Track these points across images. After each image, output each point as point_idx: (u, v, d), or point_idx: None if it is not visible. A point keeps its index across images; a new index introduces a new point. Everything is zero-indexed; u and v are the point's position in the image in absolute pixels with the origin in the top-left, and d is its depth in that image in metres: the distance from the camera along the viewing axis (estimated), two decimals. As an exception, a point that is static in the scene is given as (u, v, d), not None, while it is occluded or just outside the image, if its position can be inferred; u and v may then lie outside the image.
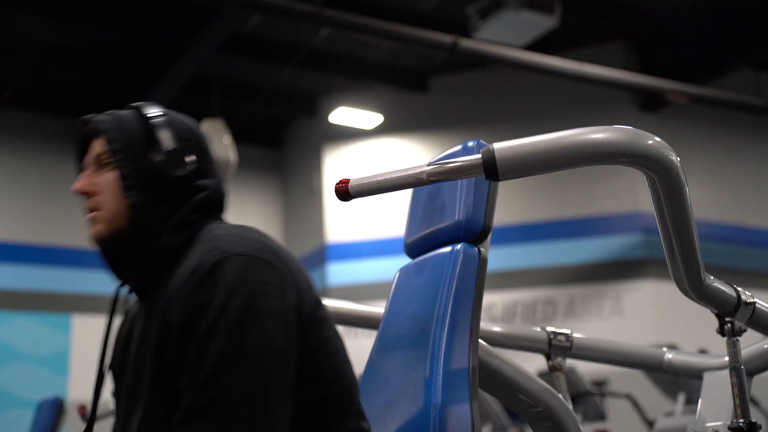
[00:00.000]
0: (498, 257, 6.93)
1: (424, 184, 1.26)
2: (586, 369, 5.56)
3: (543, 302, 7.97)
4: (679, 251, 1.29)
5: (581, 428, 1.71)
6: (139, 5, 7.07)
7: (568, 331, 2.14)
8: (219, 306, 1.15)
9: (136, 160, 1.31)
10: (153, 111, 1.36)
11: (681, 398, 4.91)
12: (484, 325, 2.06)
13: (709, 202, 8.30)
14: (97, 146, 1.34)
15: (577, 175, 8.21)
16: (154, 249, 1.29)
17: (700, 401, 1.82)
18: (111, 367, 1.42)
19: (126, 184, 1.30)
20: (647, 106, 8.32)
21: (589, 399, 5.50)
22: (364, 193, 1.35)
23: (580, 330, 2.28)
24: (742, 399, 1.43)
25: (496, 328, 2.10)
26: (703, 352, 4.17)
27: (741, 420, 1.41)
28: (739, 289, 1.47)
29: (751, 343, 1.81)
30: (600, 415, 5.59)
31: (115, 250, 1.34)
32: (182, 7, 6.62)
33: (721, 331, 1.48)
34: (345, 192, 1.38)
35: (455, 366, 1.41)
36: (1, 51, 7.41)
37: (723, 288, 1.43)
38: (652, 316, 7.75)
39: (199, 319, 1.15)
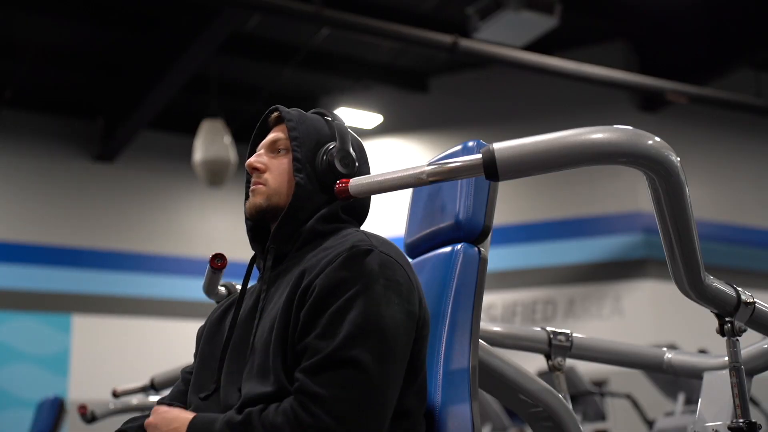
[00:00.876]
0: (498, 257, 6.93)
1: (424, 184, 1.26)
2: (586, 369, 5.56)
3: (543, 302, 7.97)
4: (679, 251, 1.29)
5: (581, 428, 1.71)
6: (139, 5, 7.07)
7: (568, 331, 2.14)
8: (363, 284, 1.30)
9: (310, 151, 1.49)
10: (333, 116, 1.55)
11: (681, 398, 4.91)
12: (484, 325, 2.06)
13: (709, 202, 8.30)
14: (278, 132, 1.54)
15: (577, 175, 8.21)
16: (300, 229, 1.46)
17: (700, 401, 1.82)
18: (201, 345, 1.52)
19: (296, 167, 1.47)
20: (647, 106, 8.32)
21: (589, 399, 5.51)
22: (364, 192, 1.36)
23: (580, 330, 2.28)
24: (742, 399, 1.42)
25: (496, 328, 2.10)
26: (703, 352, 4.16)
27: (741, 420, 1.40)
28: (739, 289, 1.47)
29: (751, 343, 1.81)
30: (600, 415, 5.59)
31: (262, 223, 1.51)
32: (182, 7, 6.61)
33: (721, 331, 1.47)
34: (345, 192, 1.38)
35: (455, 366, 1.41)
36: (1, 51, 7.41)
37: (723, 288, 1.43)
38: (652, 316, 7.75)
39: (343, 290, 1.29)
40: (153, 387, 3.20)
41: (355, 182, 1.37)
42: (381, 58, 8.15)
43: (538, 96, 8.32)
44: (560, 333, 2.12)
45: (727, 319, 1.47)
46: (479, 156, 1.18)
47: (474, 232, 1.51)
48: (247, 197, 1.53)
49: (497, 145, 1.18)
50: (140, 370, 4.53)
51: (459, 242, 1.51)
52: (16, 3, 6.70)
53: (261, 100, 8.50)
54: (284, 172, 1.49)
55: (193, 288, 8.75)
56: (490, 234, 1.53)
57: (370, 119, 8.57)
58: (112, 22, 7.17)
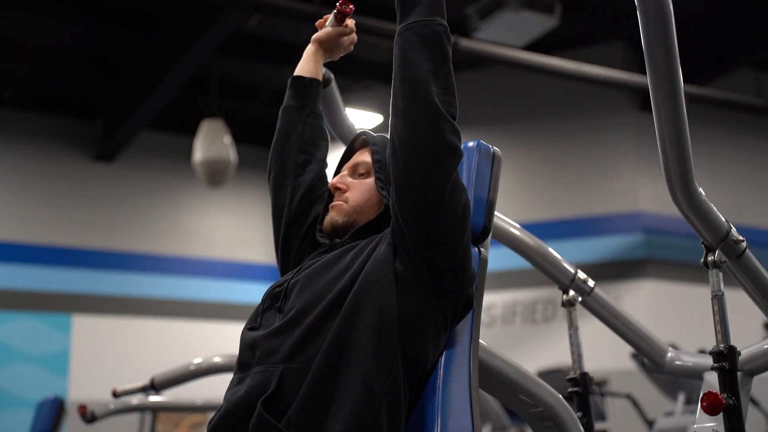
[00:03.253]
0: (498, 257, 6.92)
1: None
2: (586, 369, 5.55)
3: (543, 302, 7.97)
4: (663, 107, 1.30)
5: (581, 428, 1.71)
6: (139, 5, 7.07)
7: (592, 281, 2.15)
8: None
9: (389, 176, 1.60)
10: None
11: (681, 398, 4.92)
12: (522, 234, 2.06)
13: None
14: (362, 156, 1.64)
15: (577, 175, 8.21)
16: (361, 233, 1.57)
17: (700, 401, 1.82)
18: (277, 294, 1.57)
19: (380, 185, 1.58)
20: (647, 106, 8.31)
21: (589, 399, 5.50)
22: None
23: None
24: (723, 325, 1.44)
25: (530, 242, 2.10)
26: (703, 352, 4.16)
27: (722, 345, 1.42)
28: (731, 225, 1.48)
29: (751, 343, 1.81)
30: (600, 415, 5.59)
31: (338, 234, 1.60)
32: (182, 7, 6.61)
33: (705, 262, 1.48)
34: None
35: (455, 366, 1.41)
36: (1, 51, 7.41)
37: (715, 211, 1.44)
38: (652, 316, 7.75)
39: None
40: (153, 387, 3.20)
41: None
42: (381, 58, 8.14)
43: (538, 96, 8.32)
44: (588, 278, 2.13)
45: (712, 251, 1.48)
46: None
47: (474, 232, 1.51)
48: (325, 212, 1.65)
49: None
50: (140, 370, 4.52)
51: (459, 242, 1.50)
52: (16, 3, 6.69)
53: (261, 100, 8.50)
54: (365, 191, 1.60)
55: (193, 288, 8.75)
56: (490, 234, 1.53)
57: (370, 119, 8.57)
58: (113, 22, 7.17)
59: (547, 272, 2.14)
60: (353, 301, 1.39)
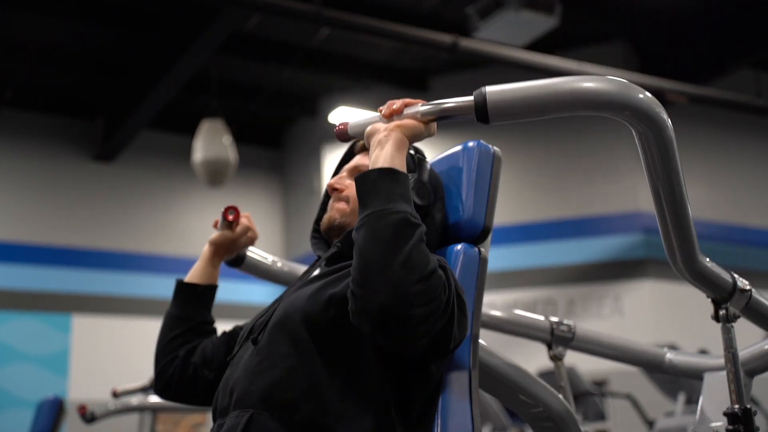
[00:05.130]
0: (498, 257, 6.92)
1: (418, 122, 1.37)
2: (586, 369, 5.56)
3: (543, 302, 7.97)
4: (670, 216, 1.28)
5: (581, 428, 1.71)
6: (139, 5, 7.07)
7: (571, 323, 2.14)
8: None
9: None
10: (416, 149, 1.62)
11: (681, 398, 4.91)
12: (487, 309, 2.06)
13: (708, 202, 8.30)
14: (362, 159, 1.64)
15: (577, 175, 8.20)
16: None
17: (700, 401, 1.82)
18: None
19: None
20: (647, 106, 8.30)
21: (589, 399, 5.50)
22: (359, 134, 1.44)
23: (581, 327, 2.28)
24: (737, 385, 1.42)
25: (499, 314, 2.10)
26: (703, 352, 4.17)
27: (736, 405, 1.40)
28: (735, 275, 1.47)
29: (751, 343, 1.81)
30: (600, 415, 5.59)
31: (333, 234, 1.60)
32: (182, 7, 6.61)
33: (716, 317, 1.47)
34: (345, 134, 1.47)
35: (455, 366, 1.41)
36: (1, 51, 7.41)
37: (719, 271, 1.43)
38: (652, 316, 7.75)
39: None
40: (152, 387, 3.20)
41: (354, 123, 1.45)
42: (381, 58, 8.14)
43: (538, 96, 8.30)
44: (563, 323, 2.12)
45: (722, 306, 1.47)
46: (471, 98, 1.23)
47: (474, 232, 1.50)
48: (322, 212, 1.66)
49: (489, 88, 1.22)
50: (140, 370, 4.52)
51: (459, 242, 1.50)
52: (16, 3, 6.69)
53: (261, 100, 8.50)
54: None
55: (193, 288, 8.74)
56: (490, 234, 1.53)
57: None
58: (113, 22, 7.17)
59: (527, 335, 2.13)
60: (329, 347, 1.36)
